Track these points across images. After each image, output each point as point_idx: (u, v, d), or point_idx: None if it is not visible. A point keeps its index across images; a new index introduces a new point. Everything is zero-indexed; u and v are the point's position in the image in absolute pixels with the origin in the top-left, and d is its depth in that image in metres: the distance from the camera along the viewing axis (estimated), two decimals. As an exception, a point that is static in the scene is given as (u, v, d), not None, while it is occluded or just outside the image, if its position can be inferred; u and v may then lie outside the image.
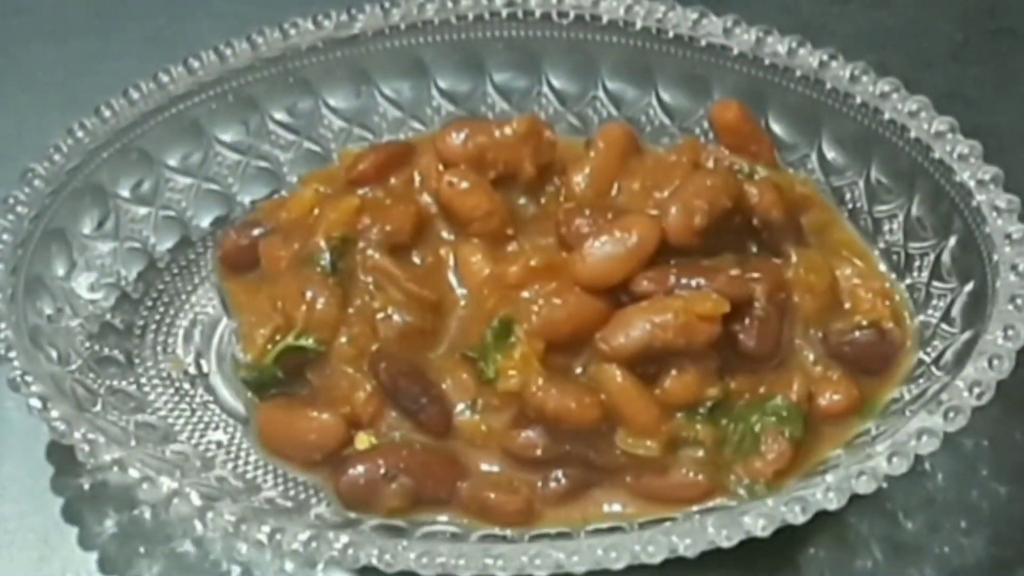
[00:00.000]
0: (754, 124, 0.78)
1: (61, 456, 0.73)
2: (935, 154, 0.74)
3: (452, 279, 0.74)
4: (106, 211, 0.78)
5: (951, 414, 0.66)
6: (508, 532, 0.69)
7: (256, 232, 0.77)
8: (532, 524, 0.69)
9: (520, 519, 0.69)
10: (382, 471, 0.70)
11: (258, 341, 0.73)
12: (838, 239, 0.76)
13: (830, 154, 0.79)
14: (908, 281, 0.75)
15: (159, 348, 0.77)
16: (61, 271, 0.76)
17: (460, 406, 0.71)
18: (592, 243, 0.71)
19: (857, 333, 0.73)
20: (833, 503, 0.65)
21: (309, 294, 0.72)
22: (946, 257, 0.74)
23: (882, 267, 0.76)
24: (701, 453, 0.70)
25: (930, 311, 0.74)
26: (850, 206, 0.78)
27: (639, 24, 0.80)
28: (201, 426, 0.74)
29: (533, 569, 0.64)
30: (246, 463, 0.73)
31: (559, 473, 0.70)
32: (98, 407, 0.72)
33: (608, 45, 0.81)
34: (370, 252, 0.73)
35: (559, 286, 0.71)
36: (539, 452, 0.70)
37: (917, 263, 0.75)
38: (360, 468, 0.70)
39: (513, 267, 0.72)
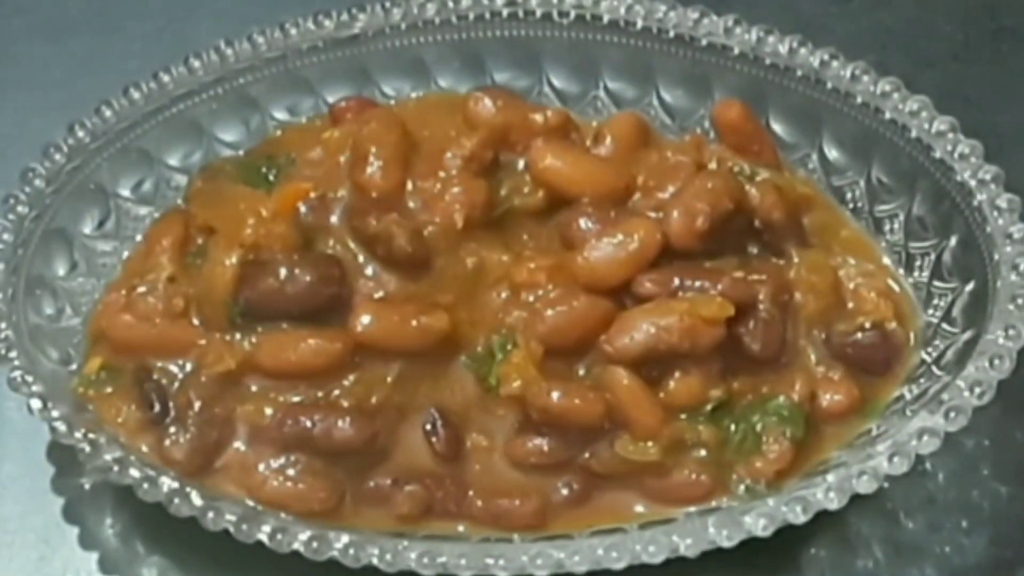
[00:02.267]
0: (756, 124, 0.78)
1: (62, 456, 0.73)
2: (936, 153, 0.74)
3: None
4: (107, 211, 0.78)
5: (952, 414, 0.66)
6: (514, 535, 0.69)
7: None
8: (545, 529, 0.69)
9: (534, 524, 0.69)
10: (393, 477, 0.70)
11: None
12: (842, 238, 0.76)
13: (831, 154, 0.78)
14: (909, 281, 0.75)
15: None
16: (62, 271, 0.76)
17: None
18: (594, 244, 0.71)
19: (860, 334, 0.73)
20: (834, 503, 0.65)
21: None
22: (947, 257, 0.74)
23: (886, 265, 0.76)
24: (703, 453, 0.69)
25: (931, 311, 0.74)
26: (851, 206, 0.78)
27: (640, 24, 0.80)
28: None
29: (534, 569, 0.65)
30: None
31: (566, 478, 0.70)
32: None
33: (609, 45, 0.81)
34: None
35: (563, 289, 0.71)
36: (544, 458, 0.70)
37: (918, 263, 0.75)
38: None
39: (518, 270, 0.72)
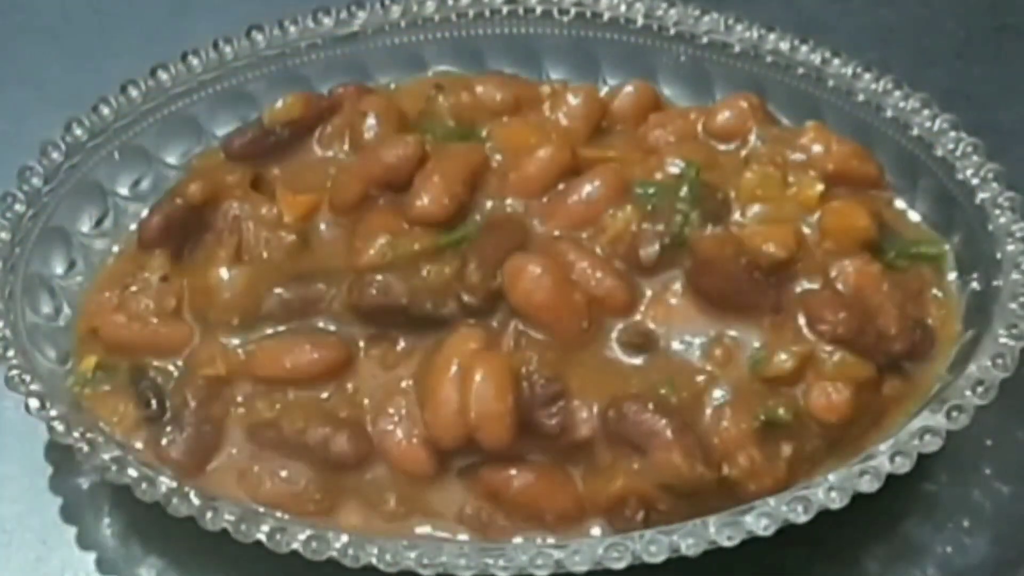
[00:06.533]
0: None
1: (59, 456, 0.73)
2: (938, 152, 0.74)
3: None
4: (105, 209, 0.78)
5: (954, 413, 0.66)
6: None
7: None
8: (582, 525, 0.68)
9: (570, 519, 0.68)
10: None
11: None
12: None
13: (832, 152, 0.79)
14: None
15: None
16: (59, 269, 0.75)
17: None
18: None
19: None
20: (835, 502, 0.65)
21: None
22: (949, 255, 0.74)
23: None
24: None
25: (933, 309, 0.74)
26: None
27: (640, 21, 0.80)
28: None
29: (534, 569, 0.64)
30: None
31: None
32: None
33: (609, 42, 0.81)
34: None
35: None
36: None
37: (919, 261, 0.75)
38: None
39: None
